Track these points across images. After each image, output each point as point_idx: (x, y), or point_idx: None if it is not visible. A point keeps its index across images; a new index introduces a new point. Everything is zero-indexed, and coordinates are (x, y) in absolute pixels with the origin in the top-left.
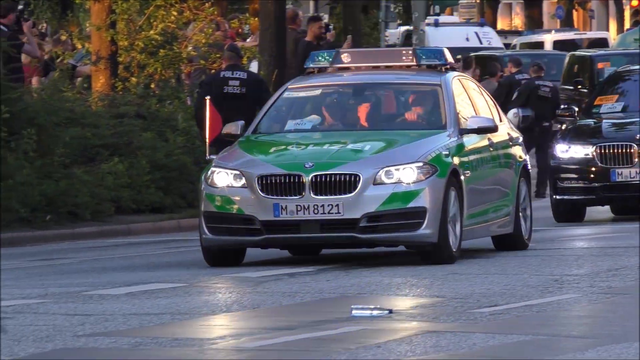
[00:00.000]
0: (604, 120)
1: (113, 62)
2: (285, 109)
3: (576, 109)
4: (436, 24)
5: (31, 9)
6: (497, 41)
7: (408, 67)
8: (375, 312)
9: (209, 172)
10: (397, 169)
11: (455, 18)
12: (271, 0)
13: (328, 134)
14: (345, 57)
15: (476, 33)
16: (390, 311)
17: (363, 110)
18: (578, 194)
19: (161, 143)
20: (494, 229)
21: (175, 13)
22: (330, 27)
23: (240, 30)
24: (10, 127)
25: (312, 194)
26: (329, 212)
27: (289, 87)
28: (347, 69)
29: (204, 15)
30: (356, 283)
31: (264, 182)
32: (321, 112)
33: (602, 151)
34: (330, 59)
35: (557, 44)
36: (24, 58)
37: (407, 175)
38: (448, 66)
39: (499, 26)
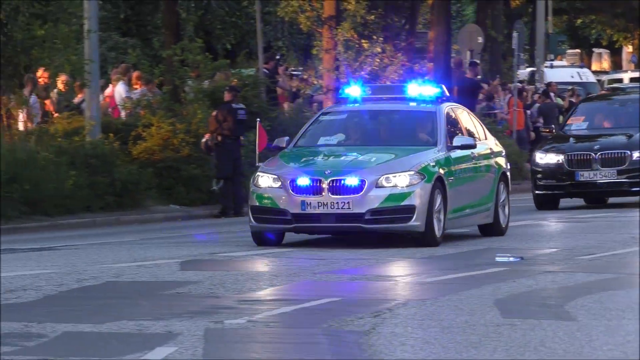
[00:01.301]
0: (571, 137)
1: (337, 93)
2: (320, 128)
3: (553, 127)
4: (551, 66)
5: (285, 58)
6: (592, 78)
7: (414, 100)
8: (512, 259)
9: (255, 176)
10: (394, 176)
11: (564, 62)
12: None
13: (348, 148)
14: (368, 91)
15: (578, 72)
16: (522, 258)
17: (376, 132)
18: (552, 190)
19: None
20: (478, 220)
21: (378, 60)
22: (477, 62)
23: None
24: (270, 136)
25: (329, 194)
26: (342, 208)
27: (324, 112)
28: (370, 98)
29: (397, 61)
30: (496, 241)
31: (294, 184)
32: (345, 131)
33: (569, 158)
34: (361, 93)
35: (633, 80)
36: (279, 90)
37: (401, 180)
38: (444, 99)
39: (593, 68)
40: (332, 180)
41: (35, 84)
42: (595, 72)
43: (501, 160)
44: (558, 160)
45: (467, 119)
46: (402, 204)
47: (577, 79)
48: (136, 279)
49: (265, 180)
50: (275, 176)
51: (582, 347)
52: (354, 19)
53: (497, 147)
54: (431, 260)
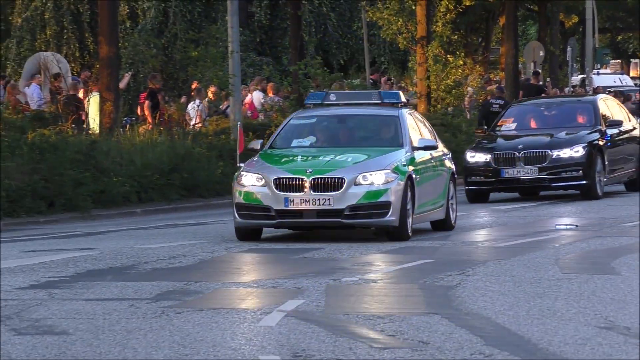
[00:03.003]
0: (499, 137)
1: (428, 97)
2: (291, 131)
3: (485, 127)
4: (598, 74)
5: (386, 70)
6: (630, 83)
7: (376, 104)
8: (568, 226)
9: (239, 175)
10: (371, 174)
11: (608, 70)
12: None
13: (322, 149)
14: (332, 97)
15: (619, 78)
16: (577, 226)
17: (344, 134)
18: (481, 186)
19: (452, 138)
20: (433, 216)
21: (460, 71)
22: (539, 71)
23: (493, 78)
24: None
25: (311, 191)
26: (323, 204)
27: (294, 117)
28: (334, 104)
29: (476, 71)
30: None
31: (277, 182)
32: (315, 134)
33: (495, 157)
34: (321, 99)
35: None
36: None
37: (377, 178)
38: (402, 104)
39: (630, 74)
40: (314, 179)
41: (201, 94)
42: (632, 78)
43: (450, 162)
44: (486, 159)
45: (421, 123)
46: (379, 200)
47: (618, 84)
48: (271, 247)
49: (249, 179)
50: (259, 175)
51: (625, 296)
52: (441, 39)
53: (445, 149)
54: (504, 228)
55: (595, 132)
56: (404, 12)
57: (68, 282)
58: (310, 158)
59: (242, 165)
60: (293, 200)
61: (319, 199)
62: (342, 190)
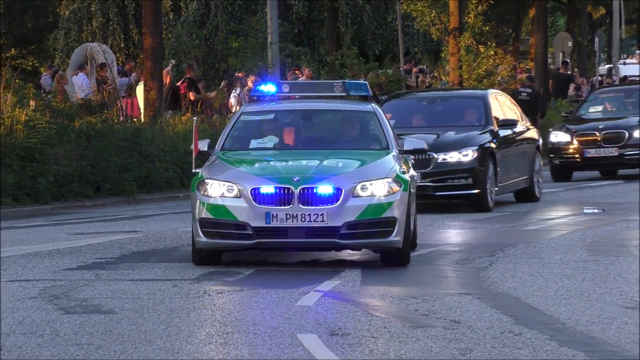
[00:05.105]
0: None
1: (460, 86)
2: (244, 129)
3: None
4: (624, 64)
5: (420, 60)
6: None
7: (339, 97)
8: (595, 210)
9: (202, 183)
10: (371, 184)
11: (634, 60)
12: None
13: (297, 152)
14: (285, 87)
15: None
16: (604, 210)
17: (313, 133)
18: None
19: None
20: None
21: (491, 61)
22: (568, 61)
23: (522, 68)
24: None
25: (299, 205)
26: (314, 220)
27: (245, 111)
28: (289, 97)
29: (506, 61)
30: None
31: (256, 193)
32: (276, 133)
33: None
34: (275, 90)
35: None
36: (410, 84)
37: (379, 189)
38: (370, 97)
39: None
40: (303, 189)
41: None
42: None
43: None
44: None
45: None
46: (383, 216)
47: None
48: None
49: (216, 189)
50: (230, 184)
51: None
52: (472, 30)
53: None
54: (532, 211)
55: (486, 132)
56: (437, 3)
57: (114, 263)
58: (290, 162)
59: (198, 171)
60: (277, 216)
61: (309, 214)
62: (338, 203)
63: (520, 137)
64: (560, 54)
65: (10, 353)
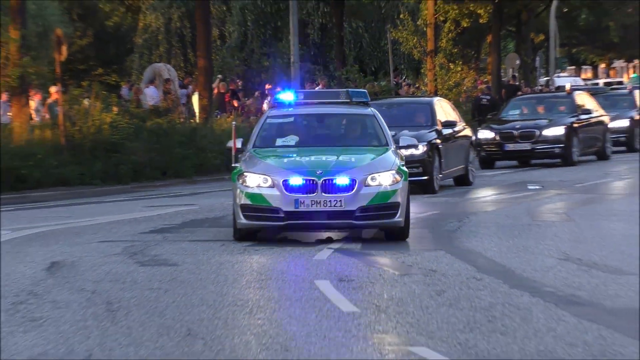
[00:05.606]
0: None
1: (435, 95)
2: (271, 130)
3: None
4: (558, 77)
5: (406, 75)
6: (582, 83)
7: (344, 103)
8: (537, 187)
9: (241, 175)
10: (379, 175)
11: (566, 74)
12: (496, 67)
13: (315, 149)
14: (300, 96)
15: (574, 80)
16: (543, 186)
17: (327, 133)
18: None
19: None
20: None
21: (459, 75)
22: (516, 75)
23: (482, 80)
24: None
25: (322, 193)
26: (334, 205)
27: (269, 115)
28: (305, 103)
29: (470, 75)
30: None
31: (287, 183)
32: (296, 133)
33: None
34: (293, 97)
35: (606, 84)
36: (401, 93)
37: (385, 179)
38: (369, 102)
39: (582, 77)
40: (325, 180)
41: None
42: (583, 79)
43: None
44: None
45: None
46: (389, 201)
47: (574, 84)
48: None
49: (253, 180)
50: (265, 176)
51: (578, 236)
52: (444, 51)
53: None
54: (487, 189)
55: (433, 131)
56: (417, 32)
57: (177, 228)
58: (312, 157)
59: (237, 165)
60: (304, 202)
61: (330, 200)
62: (353, 191)
63: (458, 134)
64: (510, 70)
65: (100, 296)
